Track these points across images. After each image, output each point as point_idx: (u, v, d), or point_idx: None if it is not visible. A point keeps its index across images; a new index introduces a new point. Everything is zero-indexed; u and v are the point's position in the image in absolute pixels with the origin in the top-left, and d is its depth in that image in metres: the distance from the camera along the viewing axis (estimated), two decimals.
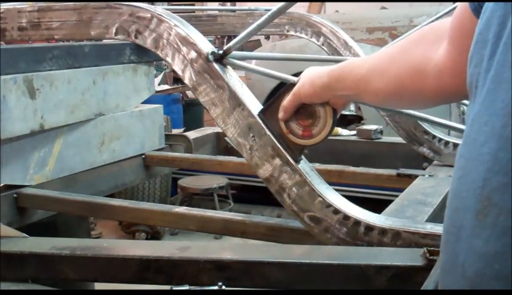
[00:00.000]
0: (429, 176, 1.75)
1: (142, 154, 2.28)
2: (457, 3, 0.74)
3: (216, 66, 1.24)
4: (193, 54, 1.25)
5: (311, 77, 1.07)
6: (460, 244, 0.52)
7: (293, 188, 1.18)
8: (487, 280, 0.48)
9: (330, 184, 1.23)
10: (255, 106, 1.23)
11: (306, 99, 1.09)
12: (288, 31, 2.19)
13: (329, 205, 1.16)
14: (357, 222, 1.15)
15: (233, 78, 1.26)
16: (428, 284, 0.73)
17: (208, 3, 8.90)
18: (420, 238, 1.11)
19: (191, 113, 5.66)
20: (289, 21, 2.16)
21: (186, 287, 1.04)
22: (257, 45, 7.11)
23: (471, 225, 0.50)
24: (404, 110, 1.38)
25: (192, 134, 2.67)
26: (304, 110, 1.13)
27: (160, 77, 5.67)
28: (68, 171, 1.93)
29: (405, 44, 0.91)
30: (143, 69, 2.23)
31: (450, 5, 2.74)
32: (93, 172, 2.04)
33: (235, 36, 1.31)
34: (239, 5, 8.78)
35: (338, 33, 2.07)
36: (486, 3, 0.56)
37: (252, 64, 2.79)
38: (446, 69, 0.79)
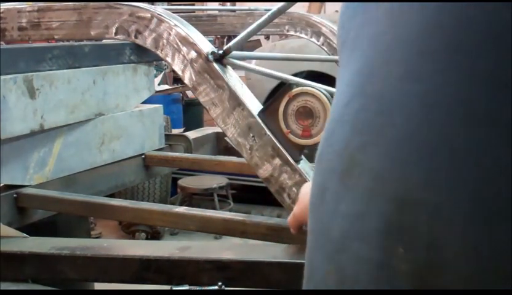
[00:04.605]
0: None
1: (142, 154, 2.28)
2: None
3: (216, 66, 1.24)
4: (193, 54, 1.25)
5: None
6: (325, 207, 0.50)
7: (293, 188, 1.18)
8: (350, 241, 0.46)
9: None
10: (255, 106, 1.23)
11: None
12: (288, 31, 2.19)
13: None
14: None
15: (233, 78, 1.26)
16: None
17: (208, 3, 8.89)
18: None
19: (191, 113, 5.65)
20: (289, 21, 2.16)
21: (186, 287, 1.04)
22: (257, 45, 7.11)
23: (335, 187, 0.49)
24: None
25: (192, 134, 2.67)
26: (304, 110, 1.13)
27: (160, 77, 5.67)
28: (68, 171, 1.93)
29: None
30: (143, 69, 2.23)
31: None
32: (93, 172, 2.04)
33: (235, 36, 1.31)
34: (239, 5, 8.78)
35: None
36: None
37: (252, 64, 2.79)
38: None
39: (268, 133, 1.19)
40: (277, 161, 1.19)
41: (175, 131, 4.21)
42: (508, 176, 0.39)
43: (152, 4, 1.46)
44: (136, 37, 1.33)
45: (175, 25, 1.28)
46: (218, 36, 6.60)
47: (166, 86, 5.67)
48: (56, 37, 1.48)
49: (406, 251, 0.43)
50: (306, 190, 0.94)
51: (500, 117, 0.40)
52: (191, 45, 1.25)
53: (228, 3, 9.15)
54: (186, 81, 1.27)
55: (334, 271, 0.48)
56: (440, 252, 0.41)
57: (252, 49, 5.95)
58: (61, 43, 2.13)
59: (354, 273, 0.46)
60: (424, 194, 0.42)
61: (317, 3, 8.00)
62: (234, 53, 1.26)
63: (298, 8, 2.26)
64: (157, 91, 3.84)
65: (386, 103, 0.46)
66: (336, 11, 7.31)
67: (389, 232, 0.44)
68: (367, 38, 0.50)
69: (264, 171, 1.20)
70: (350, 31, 0.53)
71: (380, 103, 0.46)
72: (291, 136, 1.17)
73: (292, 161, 1.18)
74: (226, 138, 2.59)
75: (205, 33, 1.38)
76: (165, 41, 1.28)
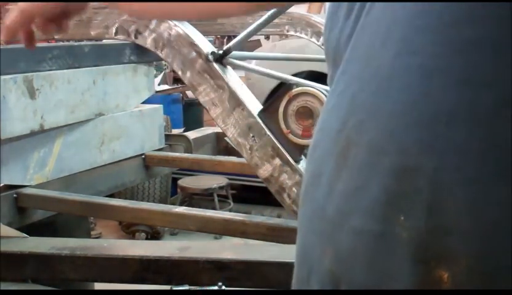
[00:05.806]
0: None
1: (142, 154, 2.28)
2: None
3: (216, 66, 1.24)
4: (193, 54, 1.25)
5: None
6: (320, 190, 0.51)
7: (293, 189, 1.18)
8: (347, 216, 0.47)
9: None
10: (255, 106, 1.23)
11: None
12: (288, 31, 2.19)
13: None
14: None
15: (233, 78, 1.26)
16: None
17: None
18: None
19: (191, 113, 5.65)
20: (289, 21, 2.16)
21: (186, 287, 1.04)
22: (257, 45, 7.11)
23: (331, 170, 0.50)
24: None
25: (192, 134, 2.67)
26: (304, 110, 1.13)
27: (160, 77, 5.67)
28: (67, 171, 1.93)
29: None
30: (143, 69, 2.23)
31: None
32: (93, 172, 2.04)
33: (235, 36, 1.31)
34: None
35: None
36: None
37: (252, 64, 2.79)
38: None
39: (268, 133, 1.19)
40: (277, 161, 1.19)
41: (175, 131, 4.21)
42: (508, 137, 0.41)
43: None
44: (136, 37, 1.33)
45: (175, 25, 1.28)
46: (218, 36, 6.59)
47: (166, 86, 5.67)
48: (56, 37, 1.48)
49: (406, 218, 0.43)
50: None
51: (496, 79, 0.42)
52: (191, 45, 1.25)
53: None
54: (186, 81, 1.27)
55: (331, 249, 0.49)
56: (441, 216, 0.42)
57: (251, 49, 5.94)
58: (61, 43, 2.13)
59: (351, 247, 0.47)
60: (424, 160, 0.43)
61: (317, 3, 8.00)
62: (234, 53, 1.26)
63: (298, 9, 2.27)
64: (157, 91, 3.84)
65: (382, 81, 0.47)
66: None
67: (388, 202, 0.45)
68: (366, 33, 0.50)
69: (264, 171, 1.20)
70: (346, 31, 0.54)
71: (376, 82, 0.47)
72: (291, 136, 1.17)
73: (291, 161, 1.18)
74: (226, 138, 2.59)
75: (205, 33, 1.38)
76: (165, 41, 1.29)
